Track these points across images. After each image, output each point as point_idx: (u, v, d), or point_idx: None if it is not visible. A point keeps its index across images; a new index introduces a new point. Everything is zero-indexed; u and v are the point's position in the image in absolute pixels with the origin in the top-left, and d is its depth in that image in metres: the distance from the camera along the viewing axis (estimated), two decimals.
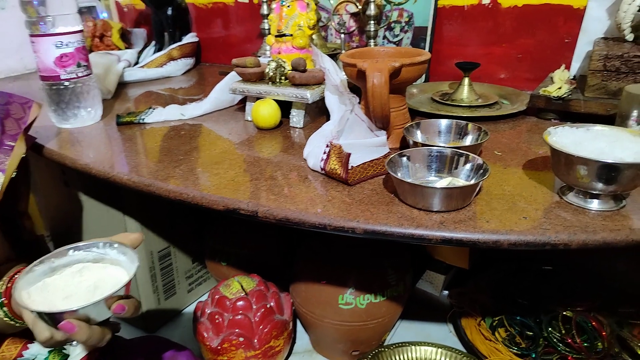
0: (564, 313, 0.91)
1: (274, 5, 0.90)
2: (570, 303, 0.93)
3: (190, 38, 1.40)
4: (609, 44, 0.81)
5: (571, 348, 0.85)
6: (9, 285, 0.58)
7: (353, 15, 1.14)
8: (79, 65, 0.87)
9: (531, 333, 0.90)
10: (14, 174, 0.71)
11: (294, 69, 0.85)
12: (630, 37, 0.82)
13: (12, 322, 0.56)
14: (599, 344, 0.85)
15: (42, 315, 0.46)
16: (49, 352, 0.64)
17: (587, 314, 0.90)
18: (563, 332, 0.88)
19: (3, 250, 0.73)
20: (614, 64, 0.77)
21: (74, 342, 0.47)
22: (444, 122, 0.72)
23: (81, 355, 0.56)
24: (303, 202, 0.59)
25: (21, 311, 0.50)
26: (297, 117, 0.87)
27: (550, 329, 0.89)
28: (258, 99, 0.87)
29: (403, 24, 1.08)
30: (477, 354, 0.89)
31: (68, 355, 0.61)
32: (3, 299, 0.56)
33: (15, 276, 0.61)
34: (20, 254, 0.76)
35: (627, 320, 0.90)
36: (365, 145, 0.66)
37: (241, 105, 1.01)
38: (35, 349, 0.64)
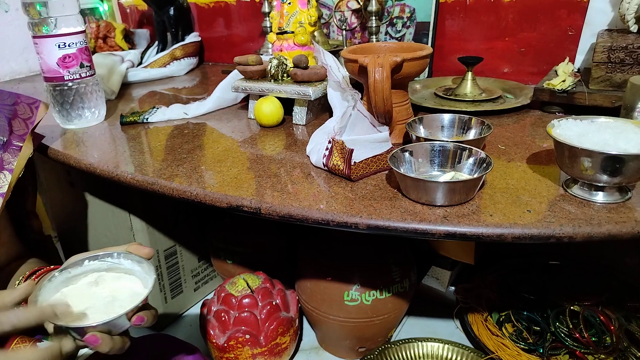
0: (571, 307, 0.90)
1: (274, 3, 0.90)
2: (577, 297, 0.92)
3: (192, 38, 1.40)
4: (613, 35, 0.81)
5: (579, 343, 0.85)
6: None
7: (354, 11, 1.14)
8: (82, 66, 0.87)
9: (538, 328, 0.90)
10: (21, 173, 0.72)
11: (295, 66, 0.85)
12: (634, 28, 0.81)
13: None
14: (607, 338, 0.85)
15: (65, 328, 0.47)
16: None
17: (595, 308, 0.89)
18: (570, 326, 0.87)
19: (15, 247, 0.74)
20: (618, 56, 0.76)
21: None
22: (446, 117, 0.71)
23: (88, 354, 0.57)
24: (306, 198, 0.59)
25: (45, 323, 0.51)
26: (299, 114, 0.87)
27: (557, 323, 0.89)
28: (260, 96, 0.87)
29: (405, 20, 1.08)
30: (484, 350, 0.89)
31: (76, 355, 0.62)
32: None
33: (31, 277, 0.62)
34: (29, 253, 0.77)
35: (635, 314, 0.89)
36: (368, 141, 0.65)
37: (244, 103, 1.01)
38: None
